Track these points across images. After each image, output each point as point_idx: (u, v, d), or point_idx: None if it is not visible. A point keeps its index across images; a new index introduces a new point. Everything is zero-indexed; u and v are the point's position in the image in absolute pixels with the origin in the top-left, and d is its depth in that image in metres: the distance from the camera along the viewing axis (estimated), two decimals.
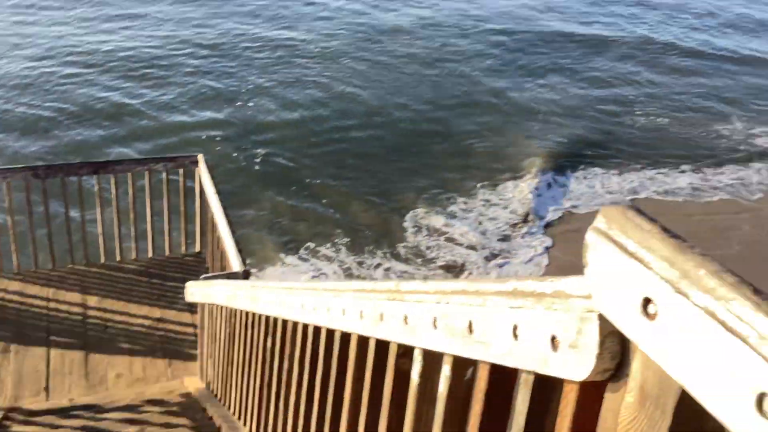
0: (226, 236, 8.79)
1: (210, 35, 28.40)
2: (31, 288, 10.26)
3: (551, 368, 1.47)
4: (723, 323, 0.99)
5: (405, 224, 18.15)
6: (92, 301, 10.17)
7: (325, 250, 16.91)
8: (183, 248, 11.55)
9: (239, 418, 6.13)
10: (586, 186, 20.25)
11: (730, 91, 26.47)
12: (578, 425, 1.43)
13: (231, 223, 9.01)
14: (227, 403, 6.82)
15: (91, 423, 7.29)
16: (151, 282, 10.71)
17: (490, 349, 1.72)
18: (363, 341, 2.93)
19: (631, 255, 1.19)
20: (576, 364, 1.36)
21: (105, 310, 10.01)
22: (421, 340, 2.19)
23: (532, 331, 1.52)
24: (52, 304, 10.01)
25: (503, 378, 1.80)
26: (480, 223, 18.42)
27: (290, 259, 16.71)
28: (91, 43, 27.15)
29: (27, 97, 22.81)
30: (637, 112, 24.68)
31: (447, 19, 31.67)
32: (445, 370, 2.08)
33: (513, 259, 17.21)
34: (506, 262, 17.09)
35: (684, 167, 21.38)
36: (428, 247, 17.44)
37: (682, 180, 20.86)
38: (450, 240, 17.74)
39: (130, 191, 10.69)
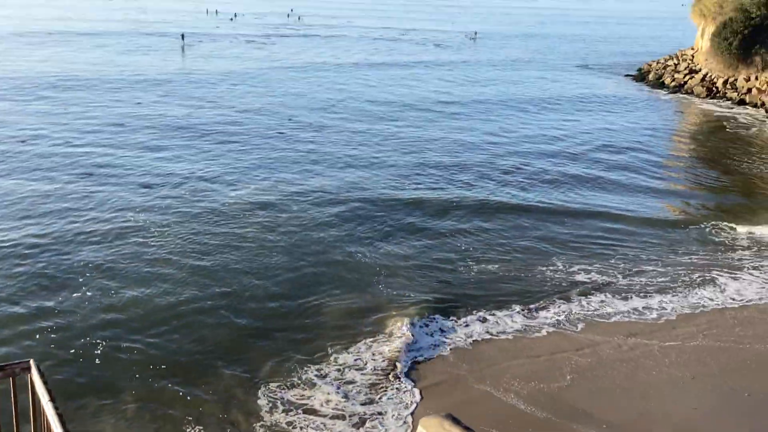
0: None
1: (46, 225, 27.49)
2: None
3: None
4: None
5: (259, 401, 17.29)
6: None
7: None
8: None
9: None
10: (432, 336, 21.08)
11: (550, 235, 29.45)
12: None
13: None
14: None
15: None
16: None
17: None
18: None
19: None
20: None
21: None
22: None
23: None
24: None
25: None
26: (339, 388, 18.00)
27: None
28: None
29: None
30: (470, 261, 26.64)
31: (288, 192, 33.06)
32: None
33: (385, 421, 16.70)
34: (378, 426, 16.38)
35: (515, 306, 23.13)
36: (289, 424, 16.43)
37: (514, 318, 22.45)
38: (311, 411, 16.96)
39: None
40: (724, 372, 19.63)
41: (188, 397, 17.48)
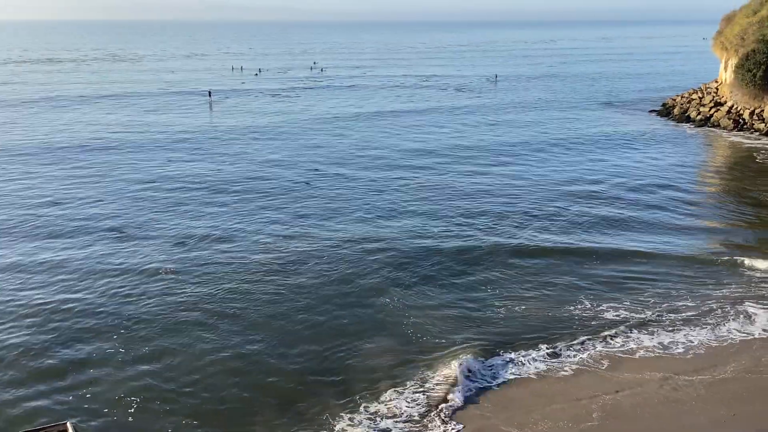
0: None
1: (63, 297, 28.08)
2: None
3: None
4: None
5: None
6: None
7: None
8: None
9: None
10: (467, 379, 20.97)
11: (576, 276, 29.35)
12: None
13: None
14: None
15: None
16: None
17: None
18: None
19: None
20: None
21: None
22: None
23: None
24: None
25: None
26: None
27: None
28: None
29: None
30: (495, 302, 26.79)
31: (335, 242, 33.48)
32: None
33: None
34: None
35: (543, 346, 23.12)
36: None
37: (543, 359, 22.16)
38: None
39: None
40: None
41: None
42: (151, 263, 30.23)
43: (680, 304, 26.37)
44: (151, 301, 26.41)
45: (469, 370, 21.53)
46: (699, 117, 69.79)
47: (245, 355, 22.51)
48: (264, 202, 40.19)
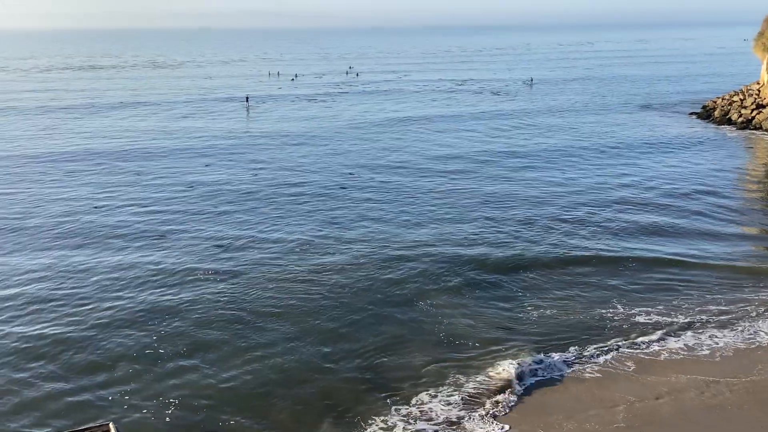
0: None
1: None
2: None
3: None
4: None
5: None
6: None
7: None
8: None
9: None
10: (501, 380, 21.07)
11: (610, 282, 29.07)
12: None
13: None
14: None
15: None
16: None
17: None
18: None
19: None
20: None
21: None
22: None
23: None
24: None
25: None
26: None
27: None
28: None
29: None
30: (528, 307, 26.77)
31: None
32: None
33: None
34: None
35: (571, 349, 23.14)
36: None
37: (576, 363, 22.19)
38: None
39: None
40: None
41: None
42: (189, 265, 30.78)
43: (718, 309, 26.02)
44: (189, 301, 26.92)
45: (505, 375, 21.53)
46: (740, 119, 68.53)
47: (279, 354, 22.90)
48: (300, 207, 40.58)
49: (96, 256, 32.47)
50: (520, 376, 21.39)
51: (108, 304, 26.88)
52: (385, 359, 22.65)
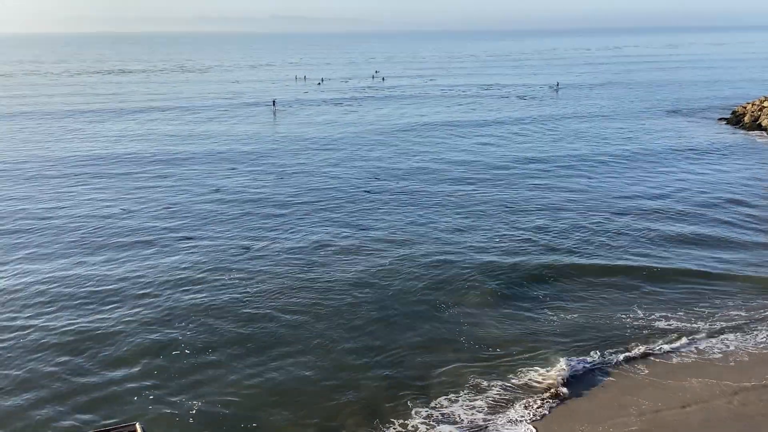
0: None
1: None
2: None
3: None
4: None
5: None
6: None
7: None
8: None
9: None
10: (519, 386, 21.08)
11: (634, 289, 28.90)
12: None
13: None
14: None
15: None
16: None
17: None
18: None
19: None
20: None
21: None
22: None
23: None
24: None
25: None
26: None
27: None
28: None
29: None
30: (551, 315, 26.63)
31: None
32: None
33: None
34: None
35: (596, 356, 23.05)
36: None
37: (603, 369, 22.12)
38: None
39: None
40: None
41: None
42: (214, 266, 31.18)
43: (746, 317, 25.78)
44: (215, 300, 27.31)
45: (530, 381, 21.55)
46: None
47: (301, 354, 23.21)
48: (324, 210, 40.81)
49: (121, 256, 32.98)
50: (545, 382, 21.37)
51: (135, 302, 27.50)
52: (409, 362, 22.80)
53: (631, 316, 26.18)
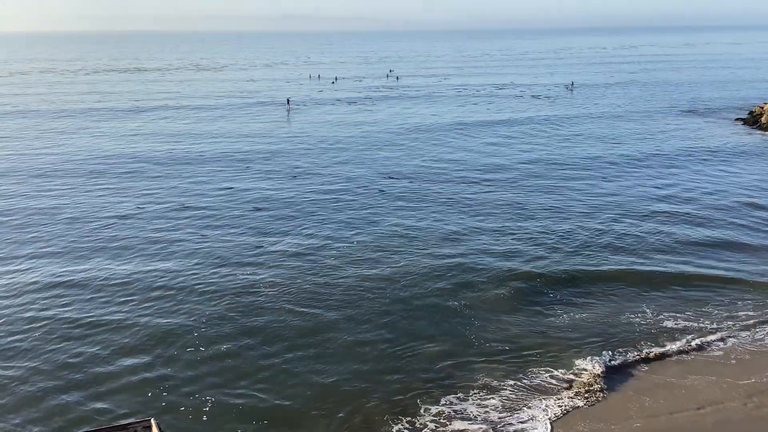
0: None
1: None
2: None
3: None
4: None
5: None
6: None
7: None
8: None
9: None
10: (532, 386, 21.01)
11: (645, 294, 28.64)
12: None
13: None
14: None
15: None
16: None
17: None
18: None
19: None
20: None
21: None
22: None
23: None
24: None
25: None
26: None
27: None
28: None
29: None
30: (558, 311, 26.70)
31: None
32: None
33: None
34: None
35: (609, 357, 22.91)
36: None
37: (613, 371, 21.97)
38: None
39: None
40: None
41: None
42: (228, 263, 31.33)
43: (761, 320, 25.55)
44: (228, 302, 27.43)
45: (545, 381, 21.49)
46: None
47: (317, 349, 23.36)
48: (338, 210, 40.88)
49: (133, 251, 33.21)
50: (559, 382, 21.29)
51: (147, 295, 27.80)
52: (420, 359, 22.84)
53: (643, 318, 26.04)
